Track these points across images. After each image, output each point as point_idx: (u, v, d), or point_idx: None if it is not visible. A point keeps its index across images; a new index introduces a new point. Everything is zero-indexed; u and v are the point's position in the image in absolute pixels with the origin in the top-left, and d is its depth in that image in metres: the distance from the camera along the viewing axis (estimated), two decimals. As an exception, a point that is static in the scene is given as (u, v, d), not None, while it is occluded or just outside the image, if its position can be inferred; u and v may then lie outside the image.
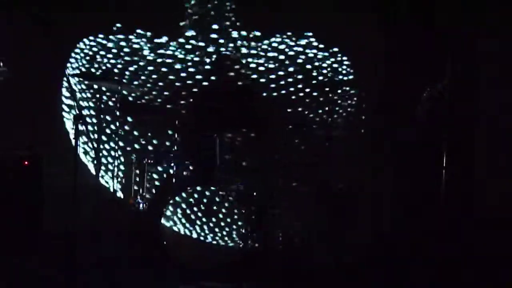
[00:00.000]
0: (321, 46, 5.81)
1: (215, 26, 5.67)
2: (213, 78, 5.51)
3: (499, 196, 5.32)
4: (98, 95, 5.30)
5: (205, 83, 5.58)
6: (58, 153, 5.23)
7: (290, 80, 5.71)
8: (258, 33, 5.73)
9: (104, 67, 5.58)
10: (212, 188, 5.13)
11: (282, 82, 5.69)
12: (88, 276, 4.23)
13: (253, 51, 5.70)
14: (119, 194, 5.30)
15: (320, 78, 5.77)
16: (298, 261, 4.80)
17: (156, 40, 5.68)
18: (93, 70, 5.61)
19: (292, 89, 5.72)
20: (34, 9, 4.87)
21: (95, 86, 5.48)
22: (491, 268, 4.53)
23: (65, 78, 5.57)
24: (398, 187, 5.67)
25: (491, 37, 5.41)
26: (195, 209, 5.32)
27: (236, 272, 4.55)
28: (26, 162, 4.83)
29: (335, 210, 5.03)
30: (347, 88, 5.79)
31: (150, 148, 5.52)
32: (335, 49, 5.86)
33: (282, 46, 5.74)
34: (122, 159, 5.49)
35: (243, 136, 5.13)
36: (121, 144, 5.44)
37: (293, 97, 5.71)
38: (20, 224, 4.75)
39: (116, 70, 5.60)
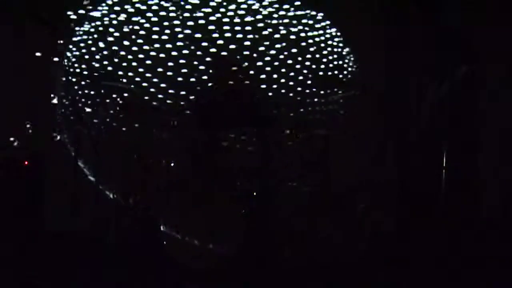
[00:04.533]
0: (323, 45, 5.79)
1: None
2: (212, 77, 5.49)
3: (500, 196, 5.32)
4: (98, 94, 5.30)
5: (205, 82, 5.57)
6: (58, 153, 5.24)
7: (292, 76, 5.69)
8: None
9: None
10: (213, 188, 5.11)
11: (283, 80, 5.67)
12: (87, 276, 4.24)
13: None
14: (120, 193, 5.29)
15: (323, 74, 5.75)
16: (298, 261, 4.80)
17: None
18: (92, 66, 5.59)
19: (294, 87, 5.69)
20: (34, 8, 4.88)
21: (95, 85, 5.47)
22: (492, 268, 4.51)
23: (64, 78, 5.57)
24: (400, 186, 5.67)
25: (493, 36, 5.40)
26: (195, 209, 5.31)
27: (236, 272, 4.56)
28: (26, 162, 4.85)
29: (335, 210, 5.04)
30: (350, 87, 5.77)
31: (151, 147, 5.51)
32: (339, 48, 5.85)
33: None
34: (123, 158, 5.47)
35: (244, 135, 5.12)
36: (121, 143, 5.43)
37: (293, 92, 5.69)
38: (20, 224, 4.76)
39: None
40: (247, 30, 5.58)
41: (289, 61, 5.64)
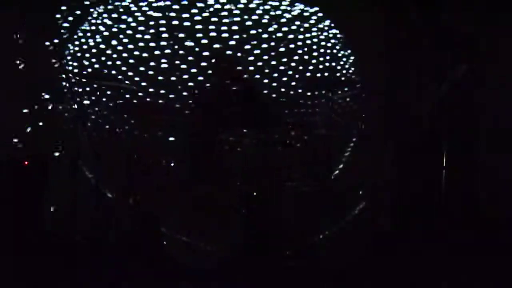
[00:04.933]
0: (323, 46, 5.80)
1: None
2: (212, 76, 5.49)
3: (500, 196, 5.33)
4: (98, 94, 5.30)
5: (204, 81, 5.57)
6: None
7: (291, 77, 5.69)
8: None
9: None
10: (213, 188, 5.11)
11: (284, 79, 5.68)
12: (88, 276, 4.24)
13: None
14: (119, 193, 5.29)
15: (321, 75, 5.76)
16: (297, 261, 4.80)
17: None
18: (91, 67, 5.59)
19: (293, 88, 5.70)
20: None
21: (95, 85, 5.47)
22: (492, 268, 4.51)
23: (64, 77, 5.56)
24: (400, 186, 5.67)
25: (493, 36, 5.41)
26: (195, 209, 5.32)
27: (235, 273, 4.56)
28: (26, 162, 4.85)
29: (335, 210, 5.04)
30: (349, 88, 5.77)
31: (151, 147, 5.51)
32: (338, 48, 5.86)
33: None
34: (122, 158, 5.47)
35: (243, 136, 5.12)
36: (121, 142, 5.43)
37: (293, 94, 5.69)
38: (21, 224, 4.76)
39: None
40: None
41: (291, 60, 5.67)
